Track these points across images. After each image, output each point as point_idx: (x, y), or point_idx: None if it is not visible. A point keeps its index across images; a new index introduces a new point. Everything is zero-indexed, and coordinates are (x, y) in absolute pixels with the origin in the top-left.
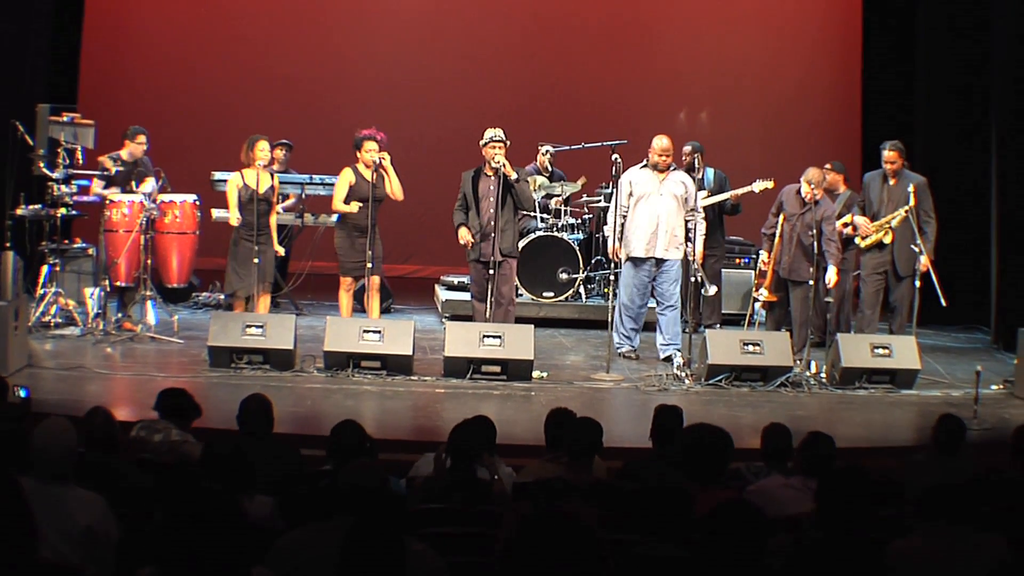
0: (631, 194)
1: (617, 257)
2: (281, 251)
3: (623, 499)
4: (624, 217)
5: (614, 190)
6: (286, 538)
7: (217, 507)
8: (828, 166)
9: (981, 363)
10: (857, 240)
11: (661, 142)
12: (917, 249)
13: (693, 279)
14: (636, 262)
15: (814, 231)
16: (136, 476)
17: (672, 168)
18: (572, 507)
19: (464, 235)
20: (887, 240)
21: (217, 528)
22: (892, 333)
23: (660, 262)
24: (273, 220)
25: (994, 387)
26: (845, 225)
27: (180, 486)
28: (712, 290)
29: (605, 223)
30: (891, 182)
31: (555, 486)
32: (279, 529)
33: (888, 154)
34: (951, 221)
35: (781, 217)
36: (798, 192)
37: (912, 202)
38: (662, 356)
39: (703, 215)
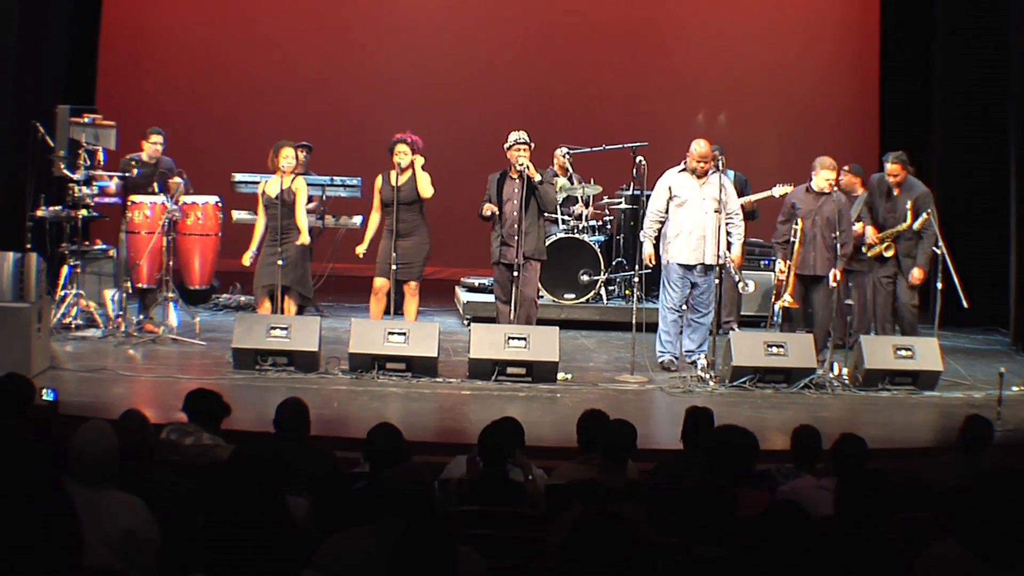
0: (670, 199)
1: (652, 262)
2: (306, 238)
3: (663, 500)
4: (661, 222)
5: (638, 192)
6: (331, 541)
7: (265, 510)
8: (846, 168)
9: (1002, 365)
10: (864, 249)
11: (700, 147)
12: (939, 252)
13: (736, 279)
14: (683, 268)
15: (835, 222)
16: (173, 480)
17: (713, 171)
18: (625, 508)
19: (489, 206)
20: (888, 254)
21: (265, 531)
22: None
23: (705, 268)
24: (299, 215)
25: (1015, 388)
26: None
27: (226, 489)
28: (751, 287)
29: (640, 227)
30: (894, 193)
31: (597, 488)
32: (314, 531)
33: (890, 167)
34: (969, 223)
35: (799, 222)
36: (808, 189)
37: (908, 220)
38: (688, 362)
39: (741, 217)
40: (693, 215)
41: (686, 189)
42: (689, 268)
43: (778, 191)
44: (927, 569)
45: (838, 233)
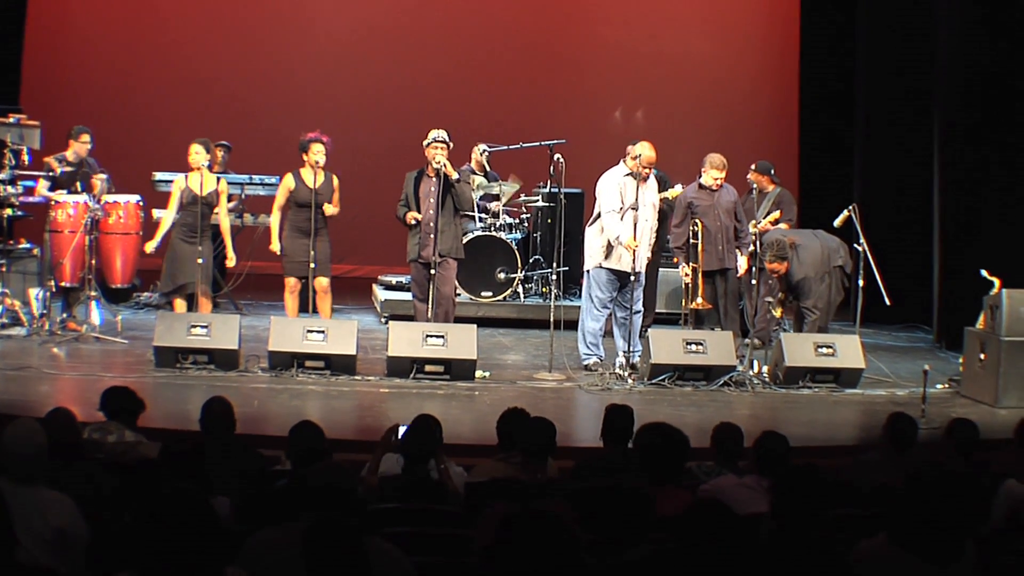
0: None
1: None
2: (233, 260)
3: (582, 499)
4: (606, 219)
5: (555, 189)
6: (255, 538)
7: (190, 507)
8: (753, 166)
9: (925, 362)
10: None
11: (649, 152)
12: (860, 248)
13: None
14: (616, 274)
15: (734, 211)
16: (100, 477)
17: (648, 176)
18: (549, 506)
19: (412, 215)
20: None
21: (191, 528)
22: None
23: (637, 273)
24: (225, 224)
25: (939, 386)
26: (774, 222)
27: (151, 487)
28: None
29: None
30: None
31: (525, 486)
32: (237, 529)
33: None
34: (893, 220)
35: (699, 223)
36: (700, 186)
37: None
38: (628, 363)
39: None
40: (636, 221)
41: (630, 193)
42: (623, 274)
43: (671, 193)
44: (858, 565)
45: (739, 223)
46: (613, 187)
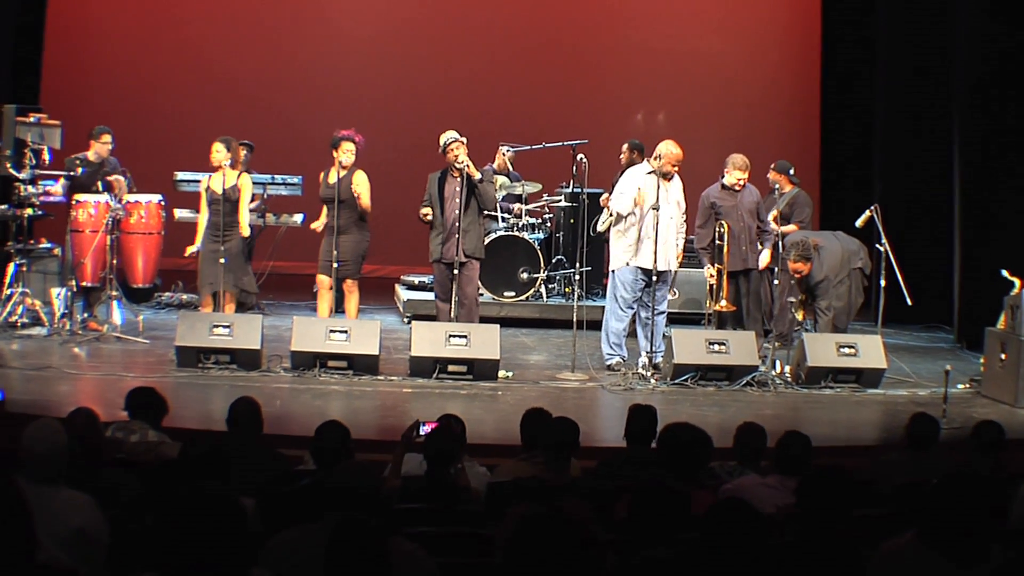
0: (636, 201)
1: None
2: (247, 231)
3: (608, 497)
4: (623, 214)
5: (578, 189)
6: (278, 538)
7: (216, 508)
8: (772, 165)
9: (947, 362)
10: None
11: (675, 151)
12: (882, 249)
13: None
14: (640, 272)
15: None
16: (122, 477)
17: (672, 176)
18: (569, 505)
19: (424, 210)
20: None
21: (216, 529)
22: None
23: (662, 273)
24: (241, 211)
25: (960, 386)
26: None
27: (176, 487)
28: (675, 295)
29: (606, 222)
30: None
31: (545, 485)
32: (261, 529)
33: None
34: (914, 220)
35: (724, 225)
36: (723, 187)
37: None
38: (652, 363)
39: (684, 218)
40: (658, 220)
41: (652, 192)
42: (646, 272)
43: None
44: (883, 566)
45: (762, 223)
46: (630, 187)
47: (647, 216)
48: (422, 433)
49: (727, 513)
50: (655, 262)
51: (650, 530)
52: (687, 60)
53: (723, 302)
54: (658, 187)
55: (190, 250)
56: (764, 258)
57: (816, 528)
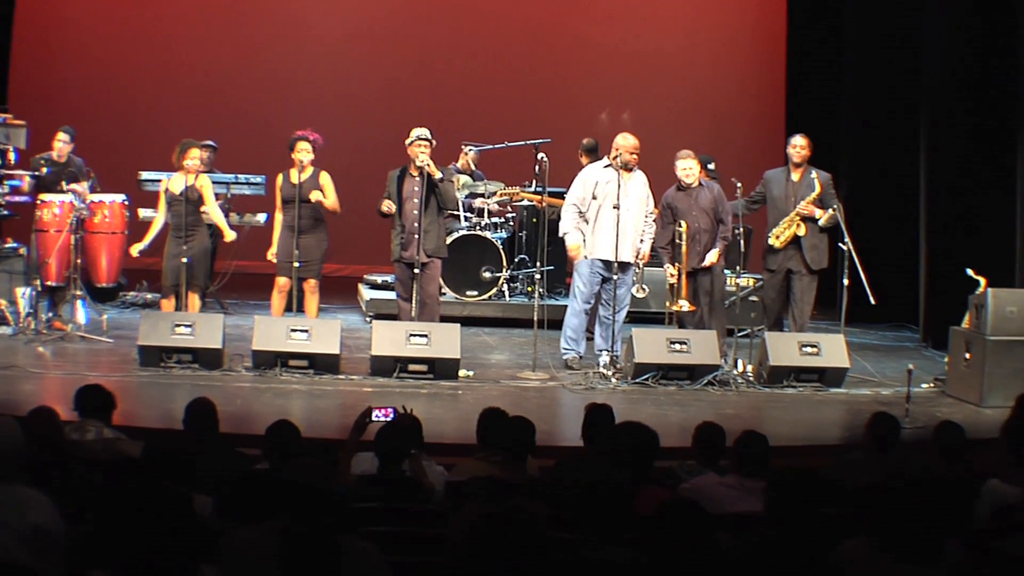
0: (595, 195)
1: (577, 254)
2: (230, 235)
3: (561, 497)
4: (582, 215)
5: (540, 189)
6: (233, 536)
7: (168, 504)
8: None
9: (911, 361)
10: (771, 241)
11: (629, 140)
12: (845, 247)
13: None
14: (598, 264)
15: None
16: (81, 475)
17: (630, 168)
18: (524, 505)
19: (387, 203)
20: (801, 232)
21: (167, 526)
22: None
23: (621, 266)
24: (214, 214)
25: (924, 385)
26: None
27: (131, 483)
28: (646, 291)
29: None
30: (795, 177)
31: (498, 485)
32: (217, 528)
33: (800, 140)
34: (879, 219)
35: (683, 224)
36: (678, 187)
37: (818, 189)
38: (599, 360)
39: (655, 217)
40: (616, 211)
41: (611, 184)
42: (605, 264)
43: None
44: (839, 565)
45: (721, 222)
46: (582, 180)
47: (603, 208)
48: (375, 419)
49: (674, 513)
50: (615, 253)
51: (593, 528)
52: (652, 60)
53: (682, 302)
54: (619, 181)
55: (136, 249)
56: (711, 256)
57: (786, 529)
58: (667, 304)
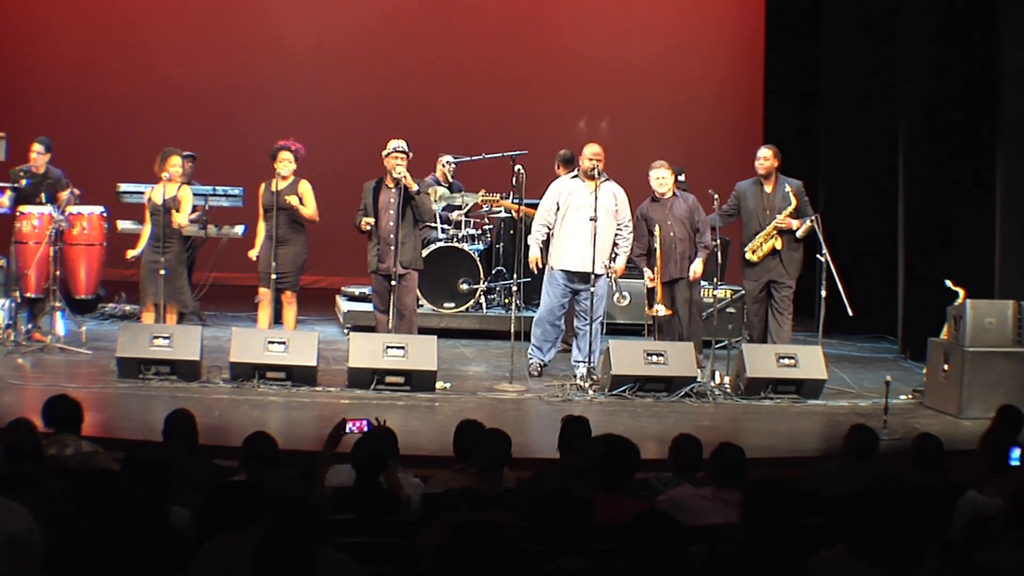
0: (559, 205)
1: (537, 267)
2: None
3: (530, 508)
4: (549, 227)
5: (517, 200)
6: (208, 546)
7: (143, 515)
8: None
9: (889, 373)
10: (748, 256)
11: (590, 148)
12: (822, 259)
13: (613, 289)
14: (565, 275)
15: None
16: (59, 486)
17: (604, 179)
18: (498, 517)
19: (367, 220)
20: (779, 246)
21: (143, 536)
22: (777, 339)
23: (587, 276)
24: (182, 219)
25: (903, 397)
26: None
27: (107, 495)
28: (627, 299)
29: (529, 231)
30: (768, 188)
31: (474, 497)
32: (194, 539)
33: (764, 151)
34: (857, 230)
35: (657, 230)
36: (652, 199)
37: (794, 203)
38: (576, 372)
39: (631, 229)
40: (582, 222)
41: (577, 194)
42: (572, 275)
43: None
44: (816, 574)
45: (698, 232)
46: (551, 191)
47: (567, 219)
48: (348, 431)
49: (648, 525)
50: (581, 264)
51: (555, 539)
52: (630, 70)
53: (658, 307)
54: (595, 191)
55: (131, 254)
56: (696, 268)
57: (761, 540)
58: (645, 310)
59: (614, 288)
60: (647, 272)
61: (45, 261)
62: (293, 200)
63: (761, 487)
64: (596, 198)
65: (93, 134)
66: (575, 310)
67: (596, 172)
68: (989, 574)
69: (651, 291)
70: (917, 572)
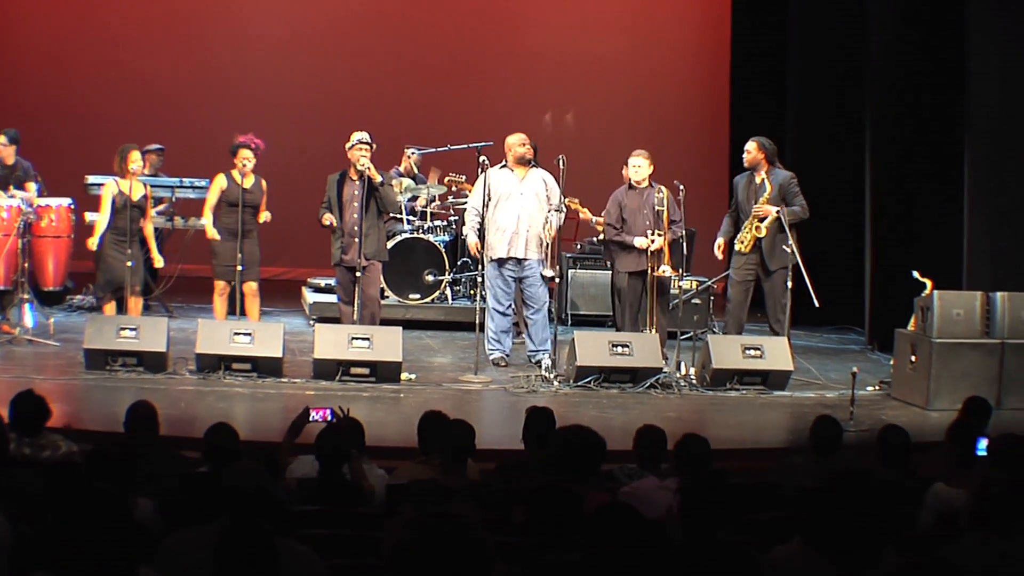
0: (490, 195)
1: (478, 253)
2: (160, 261)
3: (503, 500)
4: (481, 217)
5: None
6: (172, 539)
7: (106, 507)
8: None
9: (856, 364)
10: (737, 246)
11: (519, 136)
12: (788, 249)
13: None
14: (499, 263)
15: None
16: (25, 479)
17: (533, 166)
18: (458, 509)
19: (328, 217)
20: (761, 234)
21: (106, 528)
22: (773, 331)
23: (521, 262)
24: (149, 228)
25: (870, 388)
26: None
27: (69, 486)
28: (554, 273)
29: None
30: (757, 180)
31: (435, 489)
32: (159, 531)
33: (748, 145)
34: (824, 221)
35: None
36: (629, 187)
37: (768, 189)
38: (532, 362)
39: (564, 213)
40: (511, 209)
41: (505, 183)
42: (503, 262)
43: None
44: (772, 570)
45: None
46: (479, 183)
47: (498, 208)
48: (312, 420)
49: (608, 517)
50: (511, 249)
51: (546, 534)
52: (596, 63)
53: (664, 268)
54: (513, 180)
55: (92, 242)
56: (665, 269)
57: (701, 532)
58: (650, 269)
59: (545, 266)
60: (641, 240)
61: (13, 253)
62: (265, 217)
63: (699, 479)
64: (517, 183)
65: (61, 127)
66: (523, 299)
67: (528, 158)
68: (950, 568)
69: (656, 253)
70: (875, 567)
